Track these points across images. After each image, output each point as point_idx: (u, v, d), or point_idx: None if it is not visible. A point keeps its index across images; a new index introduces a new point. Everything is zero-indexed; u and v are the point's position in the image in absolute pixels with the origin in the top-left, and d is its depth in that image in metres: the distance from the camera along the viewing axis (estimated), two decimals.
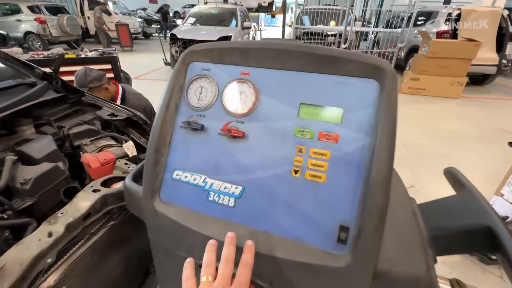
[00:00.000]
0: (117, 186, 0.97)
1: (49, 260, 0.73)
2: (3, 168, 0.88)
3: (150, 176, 0.58)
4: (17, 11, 8.42)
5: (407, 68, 5.83)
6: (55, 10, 9.17)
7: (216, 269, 0.44)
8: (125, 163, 1.07)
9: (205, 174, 0.56)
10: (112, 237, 1.00)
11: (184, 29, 6.33)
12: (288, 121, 0.52)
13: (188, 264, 0.46)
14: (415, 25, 5.63)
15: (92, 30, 10.19)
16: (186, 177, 0.57)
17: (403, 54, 6.32)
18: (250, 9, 10.26)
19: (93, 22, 8.89)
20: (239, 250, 0.47)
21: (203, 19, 6.76)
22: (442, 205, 0.64)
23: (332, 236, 0.47)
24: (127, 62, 6.69)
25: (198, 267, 0.46)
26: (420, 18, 6.19)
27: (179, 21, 8.91)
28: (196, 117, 0.58)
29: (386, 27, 6.45)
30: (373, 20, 8.92)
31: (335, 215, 0.47)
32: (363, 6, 7.25)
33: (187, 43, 5.82)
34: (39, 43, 8.55)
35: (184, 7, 17.11)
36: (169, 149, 0.59)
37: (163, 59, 6.76)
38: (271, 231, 0.50)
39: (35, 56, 2.58)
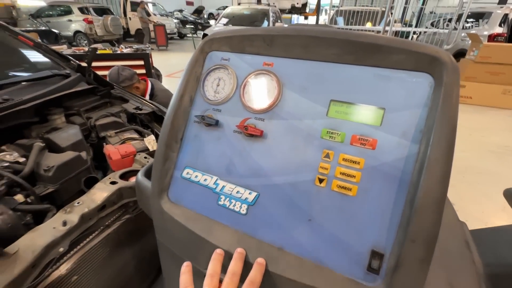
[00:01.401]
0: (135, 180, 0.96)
1: (61, 249, 0.72)
2: (30, 154, 0.90)
3: (159, 172, 0.53)
4: (69, 12, 9.22)
5: None
6: (101, 11, 9.90)
7: (220, 281, 0.39)
8: (145, 157, 1.06)
9: (217, 175, 0.50)
10: (126, 231, 0.98)
11: (216, 29, 6.44)
12: (314, 120, 0.44)
13: (186, 269, 0.41)
14: (462, 27, 5.15)
15: (132, 30, 10.83)
16: (196, 176, 0.51)
17: None
18: (283, 11, 10.18)
19: (139, 23, 9.55)
20: (247, 264, 0.41)
21: (236, 20, 6.83)
22: (502, 234, 0.51)
23: (361, 263, 0.38)
24: (161, 60, 6.98)
25: (202, 275, 0.41)
26: (468, 20, 5.64)
27: (212, 22, 9.11)
28: (211, 112, 0.52)
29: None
30: (414, 22, 8.32)
31: (367, 237, 0.38)
32: (405, 4, 6.75)
33: None
34: (86, 42, 9.27)
35: (218, 8, 17.52)
36: (180, 145, 0.54)
37: None
38: (286, 248, 0.43)
39: (76, 51, 2.76)
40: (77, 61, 1.41)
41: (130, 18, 11.02)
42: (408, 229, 0.35)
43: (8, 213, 0.71)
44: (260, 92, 0.49)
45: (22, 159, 0.90)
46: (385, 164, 0.39)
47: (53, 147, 0.99)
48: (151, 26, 9.62)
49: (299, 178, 0.44)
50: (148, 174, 0.66)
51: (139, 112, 1.33)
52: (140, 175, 0.66)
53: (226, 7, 9.13)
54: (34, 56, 1.35)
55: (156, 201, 0.54)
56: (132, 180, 0.95)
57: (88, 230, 0.82)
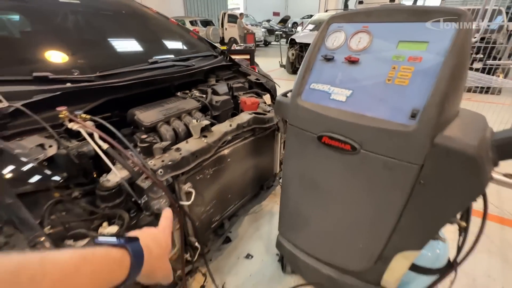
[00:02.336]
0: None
1: (228, 137, 1.32)
2: (207, 95, 1.57)
3: (299, 85, 1.04)
4: (183, 24, 11.48)
5: None
6: (205, 23, 11.89)
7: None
8: (264, 102, 1.64)
9: (330, 84, 0.97)
10: (251, 146, 1.56)
11: (302, 34, 7.00)
12: (388, 52, 0.86)
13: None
14: None
15: (226, 38, 12.53)
16: (318, 87, 1.00)
17: None
18: None
19: (238, 32, 11.17)
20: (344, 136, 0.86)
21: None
22: None
23: (407, 115, 0.79)
24: None
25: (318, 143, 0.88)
26: None
27: (299, 28, 9.74)
28: (329, 54, 1.00)
29: None
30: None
31: (411, 103, 0.78)
32: None
33: (303, 47, 6.45)
34: None
35: (302, 17, 18.26)
36: (310, 72, 1.03)
37: (279, 61, 7.68)
38: (367, 113, 0.86)
39: None
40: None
41: (226, 29, 12.79)
42: (430, 98, 0.74)
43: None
44: (358, 41, 0.94)
45: (202, 95, 1.58)
46: (424, 68, 0.78)
47: (215, 92, 1.65)
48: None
49: (376, 81, 0.86)
50: (283, 95, 1.18)
51: (259, 81, 1.94)
52: (279, 97, 1.19)
53: (311, 15, 9.62)
54: (198, 43, 2.13)
55: (294, 100, 1.04)
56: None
57: (235, 136, 1.42)
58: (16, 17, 1.49)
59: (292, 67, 6.86)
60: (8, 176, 0.82)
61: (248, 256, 1.63)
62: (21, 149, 0.84)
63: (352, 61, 0.93)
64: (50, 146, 0.88)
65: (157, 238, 0.46)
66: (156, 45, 1.92)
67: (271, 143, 1.77)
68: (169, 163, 1.04)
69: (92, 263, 0.32)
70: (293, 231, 1.33)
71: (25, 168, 0.80)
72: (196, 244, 1.23)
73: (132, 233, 0.46)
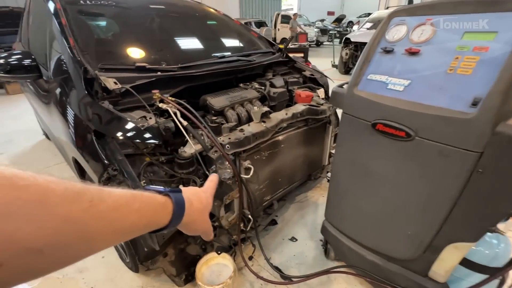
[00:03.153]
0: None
1: (284, 125, 1.46)
2: (265, 87, 1.73)
3: (356, 76, 1.11)
4: None
5: None
6: (259, 24, 12.26)
7: None
8: (318, 96, 1.73)
9: (387, 75, 1.02)
10: (302, 136, 1.67)
11: (358, 33, 6.75)
12: (452, 43, 0.89)
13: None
14: None
15: (278, 39, 12.71)
16: (375, 77, 1.06)
17: None
18: None
19: (284, 32, 11.29)
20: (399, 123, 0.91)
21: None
22: None
23: (467, 103, 0.81)
24: None
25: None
26: None
27: (355, 27, 9.38)
28: (389, 46, 1.05)
29: None
30: None
31: (473, 92, 0.80)
32: None
33: (358, 46, 6.23)
34: None
35: (359, 16, 17.41)
36: (368, 64, 1.10)
37: (331, 61, 7.54)
38: (424, 101, 0.90)
39: None
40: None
41: (278, 29, 12.99)
42: (494, 86, 0.75)
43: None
44: (420, 33, 0.97)
45: (261, 87, 1.74)
46: (490, 57, 0.79)
47: (272, 85, 1.80)
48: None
49: (436, 71, 0.89)
50: (339, 87, 1.26)
51: (313, 76, 2.03)
52: (335, 88, 1.28)
53: (369, 14, 9.15)
54: (258, 41, 2.31)
55: (350, 90, 1.12)
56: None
57: (290, 124, 1.54)
58: (119, 21, 1.87)
59: (345, 67, 6.67)
60: (121, 138, 1.09)
61: (293, 238, 1.74)
62: (131, 118, 1.10)
63: (413, 53, 0.97)
64: (150, 118, 1.14)
65: (199, 195, 0.49)
66: (224, 43, 2.16)
67: (322, 135, 1.85)
68: (235, 140, 1.22)
69: (140, 201, 0.35)
70: (339, 216, 1.40)
71: (135, 131, 1.06)
72: (250, 216, 1.39)
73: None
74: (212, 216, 1.31)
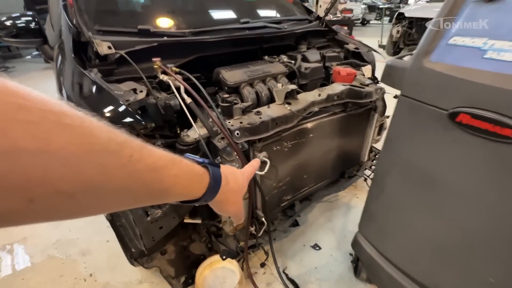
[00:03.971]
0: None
1: (316, 109, 1.13)
2: (296, 61, 1.40)
3: (429, 41, 0.74)
4: None
5: None
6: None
7: None
8: (363, 75, 1.35)
9: (487, 36, 0.64)
10: (337, 126, 1.33)
11: (415, 7, 5.79)
12: None
13: None
14: None
15: (321, 14, 11.76)
16: (464, 41, 0.68)
17: None
18: None
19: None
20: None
21: None
22: None
23: None
24: None
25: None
26: None
27: (411, 1, 8.22)
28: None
29: None
30: None
31: None
32: None
33: (413, 22, 5.35)
34: None
35: None
36: (452, 21, 0.72)
37: (378, 41, 6.68)
38: None
39: None
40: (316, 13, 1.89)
41: (320, 6, 11.96)
42: None
43: None
44: None
45: (290, 61, 1.41)
46: None
47: (305, 59, 1.46)
48: (338, 13, 10.03)
49: None
50: (396, 59, 0.90)
51: (357, 50, 1.63)
52: (390, 61, 0.91)
53: None
54: (292, 7, 1.94)
55: (417, 62, 0.76)
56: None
57: (323, 109, 1.21)
58: None
59: (394, 48, 5.82)
60: (107, 114, 0.88)
61: (316, 246, 1.47)
62: (118, 90, 0.88)
63: None
64: (141, 91, 0.91)
65: (236, 175, 0.47)
66: (249, 6, 1.83)
67: (363, 125, 1.48)
68: (247, 125, 0.95)
69: (179, 167, 0.34)
70: (379, 232, 1.07)
71: (117, 108, 0.83)
72: (263, 219, 1.14)
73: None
74: (213, 216, 1.07)
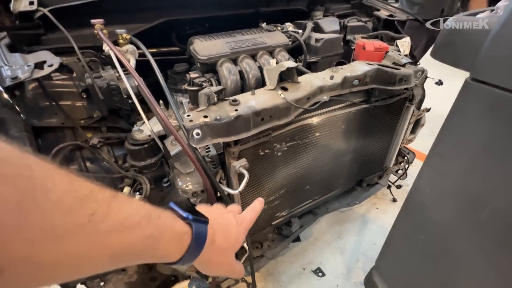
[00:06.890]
0: None
1: (325, 98, 0.78)
2: (304, 30, 1.03)
3: None
4: None
5: None
6: None
7: None
8: (398, 51, 0.96)
9: None
10: (355, 121, 0.97)
11: None
12: None
13: None
14: None
15: None
16: None
17: None
18: None
19: None
20: None
21: None
22: None
23: None
24: None
25: None
26: None
27: None
28: None
29: None
30: None
31: None
32: None
33: None
34: None
35: None
36: None
37: None
38: None
39: None
40: None
41: None
42: None
43: None
44: None
45: (297, 31, 1.05)
46: None
47: (318, 29, 1.08)
48: None
49: None
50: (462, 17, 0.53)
51: (391, 18, 1.21)
52: (452, 19, 0.54)
53: None
54: None
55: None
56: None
57: (336, 98, 0.85)
58: None
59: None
60: None
61: (318, 271, 1.17)
62: (15, 64, 0.59)
63: None
64: (51, 66, 0.61)
65: (229, 229, 0.39)
66: None
67: (393, 120, 1.11)
68: (215, 122, 0.63)
69: (155, 225, 0.28)
70: (403, 279, 0.75)
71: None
72: (245, 245, 0.85)
73: (204, 210, 0.39)
74: None
